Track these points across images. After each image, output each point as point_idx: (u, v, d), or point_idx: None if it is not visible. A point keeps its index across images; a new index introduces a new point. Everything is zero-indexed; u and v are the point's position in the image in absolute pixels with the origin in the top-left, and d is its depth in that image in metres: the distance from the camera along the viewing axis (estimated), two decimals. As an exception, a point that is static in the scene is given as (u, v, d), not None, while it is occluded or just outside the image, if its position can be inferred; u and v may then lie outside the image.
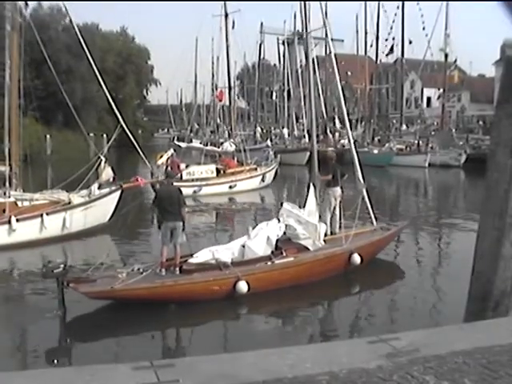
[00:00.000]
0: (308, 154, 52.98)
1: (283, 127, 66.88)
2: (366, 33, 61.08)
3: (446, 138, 54.63)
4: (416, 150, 52.58)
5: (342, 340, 10.75)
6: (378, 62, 64.42)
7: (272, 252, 14.37)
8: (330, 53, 19.85)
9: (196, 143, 66.06)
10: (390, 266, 17.15)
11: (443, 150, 51.37)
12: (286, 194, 38.41)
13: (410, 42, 57.90)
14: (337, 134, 64.20)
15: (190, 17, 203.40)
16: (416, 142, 54.39)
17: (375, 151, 51.99)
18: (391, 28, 57.69)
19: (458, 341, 5.90)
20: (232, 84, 50.16)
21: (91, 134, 61.47)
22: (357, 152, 18.00)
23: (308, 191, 16.07)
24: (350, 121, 72.20)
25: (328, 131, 61.67)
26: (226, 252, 14.08)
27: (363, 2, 60.91)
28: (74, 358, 10.61)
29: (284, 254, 14.37)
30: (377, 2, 59.87)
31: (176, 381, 4.77)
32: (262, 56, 77.31)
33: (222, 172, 34.84)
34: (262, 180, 36.36)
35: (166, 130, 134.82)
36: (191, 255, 13.87)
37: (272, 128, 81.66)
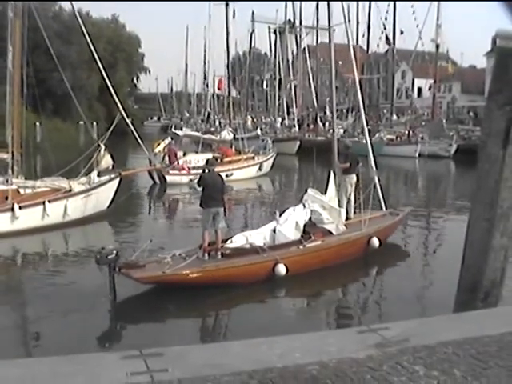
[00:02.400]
0: (298, 143, 53.26)
1: (278, 116, 66.54)
2: (357, 22, 61.01)
3: (436, 129, 54.63)
4: (406, 141, 52.59)
5: (332, 330, 10.85)
6: (370, 51, 64.39)
7: (301, 236, 14.93)
8: (349, 48, 20.11)
9: (188, 131, 65.84)
10: (391, 252, 17.50)
11: (433, 141, 51.40)
12: (283, 182, 38.76)
13: (402, 33, 57.90)
14: (327, 124, 64.20)
15: (181, 5, 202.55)
16: (406, 132, 54.45)
17: (365, 141, 52.00)
18: (385, 19, 57.70)
19: (447, 331, 5.91)
20: (226, 73, 50.12)
21: (81, 122, 61.39)
22: (371, 142, 19.23)
23: (328, 178, 16.80)
24: (341, 111, 71.79)
25: (318, 120, 61.72)
26: (258, 237, 14.70)
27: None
28: (127, 341, 10.71)
29: (313, 238, 14.90)
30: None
31: (165, 370, 4.76)
32: (253, 45, 77.09)
33: (218, 160, 34.81)
34: (260, 169, 36.35)
35: (155, 118, 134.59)
36: (226, 240, 14.39)
37: (263, 117, 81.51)
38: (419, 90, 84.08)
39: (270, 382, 4.58)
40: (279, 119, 65.01)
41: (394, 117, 63.87)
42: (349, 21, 21.21)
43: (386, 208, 18.34)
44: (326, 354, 5.19)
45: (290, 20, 65.92)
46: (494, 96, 7.24)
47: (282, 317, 12.01)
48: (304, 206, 15.67)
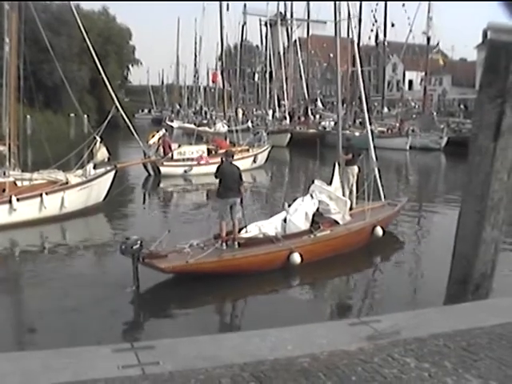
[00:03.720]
0: (289, 135, 53.22)
1: (269, 109, 66.39)
2: (348, 15, 60.81)
3: (427, 121, 54.73)
4: (397, 133, 52.63)
5: (324, 322, 10.91)
6: (361, 44, 64.32)
7: (311, 226, 15.44)
8: (352, 43, 20.63)
9: (180, 123, 65.70)
10: (388, 242, 17.81)
11: (424, 133, 51.50)
12: (278, 174, 38.98)
13: (393, 25, 57.86)
14: (317, 116, 64.16)
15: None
16: (397, 124, 54.49)
17: (356, 133, 51.99)
18: (375, 10, 57.57)
19: (438, 323, 5.93)
20: (220, 66, 50.13)
21: (72, 115, 61.14)
22: (372, 135, 20.03)
23: (333, 169, 17.29)
24: (332, 103, 71.46)
25: (309, 113, 61.66)
26: (270, 226, 15.17)
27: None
28: (154, 331, 10.82)
29: (322, 228, 15.40)
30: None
31: (156, 363, 4.76)
32: (244, 37, 76.97)
33: (213, 152, 34.93)
34: (254, 161, 36.40)
35: (146, 110, 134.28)
36: (240, 230, 14.76)
37: (254, 109, 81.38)
38: (410, 82, 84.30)
39: (262, 375, 4.59)
40: (270, 112, 64.93)
41: (385, 109, 63.87)
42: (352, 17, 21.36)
43: (385, 198, 18.92)
44: (317, 346, 5.20)
45: (281, 12, 65.87)
46: (484, 89, 7.24)
47: (289, 307, 12.18)
48: (312, 197, 16.04)
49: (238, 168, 14.79)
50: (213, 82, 69.66)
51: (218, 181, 14.54)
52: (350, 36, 62.45)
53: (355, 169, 18.46)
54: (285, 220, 15.46)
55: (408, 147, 49.19)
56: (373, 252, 16.71)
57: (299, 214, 15.50)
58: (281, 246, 14.22)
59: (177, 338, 6.15)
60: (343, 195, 17.16)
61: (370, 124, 52.70)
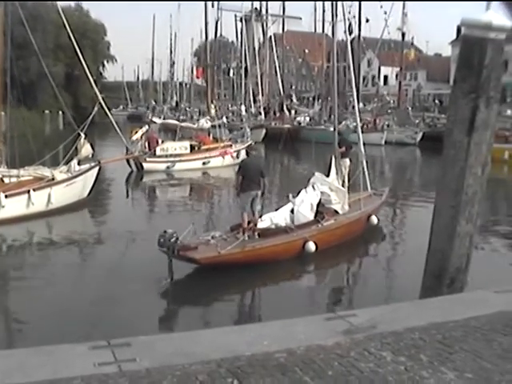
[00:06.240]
0: (264, 131, 53.24)
1: (241, 104, 66.34)
2: (323, 11, 60.94)
3: (402, 116, 55.02)
4: (373, 128, 52.79)
5: (300, 317, 10.95)
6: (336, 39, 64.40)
7: (315, 216, 16.03)
8: (347, 43, 20.93)
9: (158, 119, 65.39)
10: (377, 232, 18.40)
11: (399, 128, 51.77)
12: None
13: (367, 21, 58.02)
14: (293, 111, 64.22)
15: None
16: (373, 119, 54.68)
17: (331, 129, 52.19)
18: (350, 6, 57.67)
19: (414, 317, 5.97)
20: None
21: (47, 111, 60.59)
22: (364, 130, 19.64)
23: (330, 162, 17.92)
24: (308, 99, 71.76)
25: (285, 108, 61.70)
26: (280, 217, 15.81)
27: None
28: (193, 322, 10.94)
29: (326, 218, 16.04)
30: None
31: (133, 360, 4.75)
32: (219, 33, 76.74)
33: (196, 148, 35.08)
34: (237, 156, 36.54)
35: (121, 107, 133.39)
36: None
37: (229, 105, 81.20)
38: (385, 77, 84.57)
39: (239, 371, 4.59)
40: (243, 107, 64.85)
41: (361, 105, 64.04)
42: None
43: (371, 189, 19.64)
44: (294, 341, 5.22)
45: (256, 8, 65.81)
46: (459, 84, 7.30)
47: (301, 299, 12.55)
48: (314, 188, 16.55)
49: (260, 161, 15.50)
50: (197, 77, 69.56)
51: (237, 176, 15.10)
52: (325, 32, 63.11)
53: (347, 161, 19.40)
54: (292, 211, 15.96)
55: (383, 142, 49.42)
56: (368, 240, 17.47)
57: (305, 204, 16.02)
58: (295, 236, 14.87)
59: (154, 334, 6.13)
60: None
61: (346, 119, 53.12)
